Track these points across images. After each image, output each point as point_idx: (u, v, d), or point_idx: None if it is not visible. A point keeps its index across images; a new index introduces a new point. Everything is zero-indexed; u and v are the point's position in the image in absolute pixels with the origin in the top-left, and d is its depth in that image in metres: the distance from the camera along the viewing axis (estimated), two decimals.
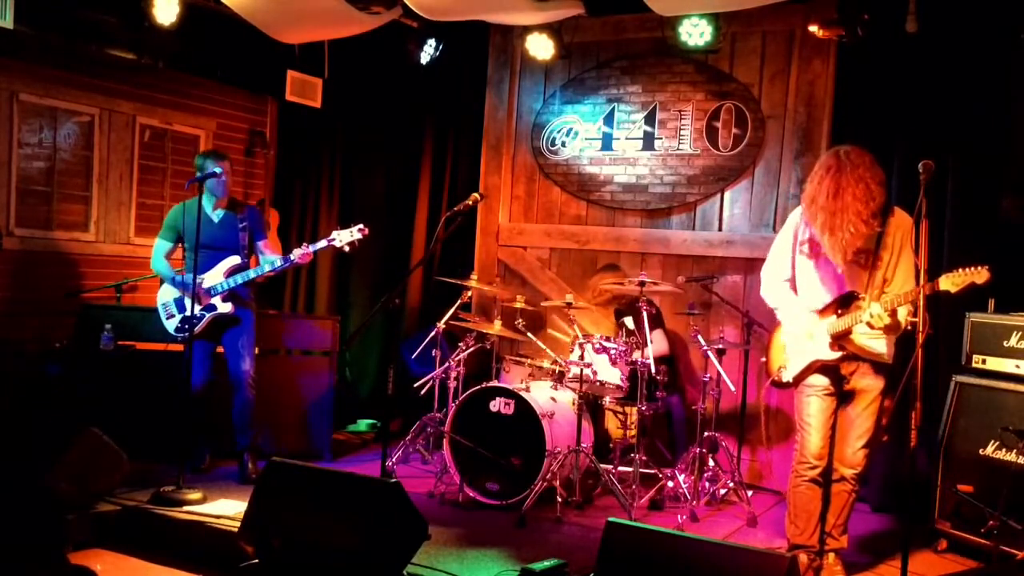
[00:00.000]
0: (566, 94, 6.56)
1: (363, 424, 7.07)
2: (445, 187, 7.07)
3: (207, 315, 5.19)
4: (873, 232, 3.85)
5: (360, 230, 5.18)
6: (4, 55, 5.80)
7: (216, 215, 5.29)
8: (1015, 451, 4.26)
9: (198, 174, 5.11)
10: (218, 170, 5.04)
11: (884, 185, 3.86)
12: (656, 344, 5.44)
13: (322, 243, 5.23)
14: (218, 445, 5.47)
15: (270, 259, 5.28)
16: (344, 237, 5.18)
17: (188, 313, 5.12)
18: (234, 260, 5.25)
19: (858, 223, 3.79)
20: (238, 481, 5.18)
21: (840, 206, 3.80)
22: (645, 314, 5.12)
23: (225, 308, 5.21)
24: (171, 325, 5.27)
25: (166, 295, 5.30)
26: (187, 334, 5.12)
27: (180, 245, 5.36)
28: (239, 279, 5.20)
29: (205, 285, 5.19)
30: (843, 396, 4.06)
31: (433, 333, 5.77)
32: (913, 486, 4.44)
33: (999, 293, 4.60)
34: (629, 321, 5.62)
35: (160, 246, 5.33)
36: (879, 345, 3.98)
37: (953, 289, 3.59)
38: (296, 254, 5.20)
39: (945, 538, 4.55)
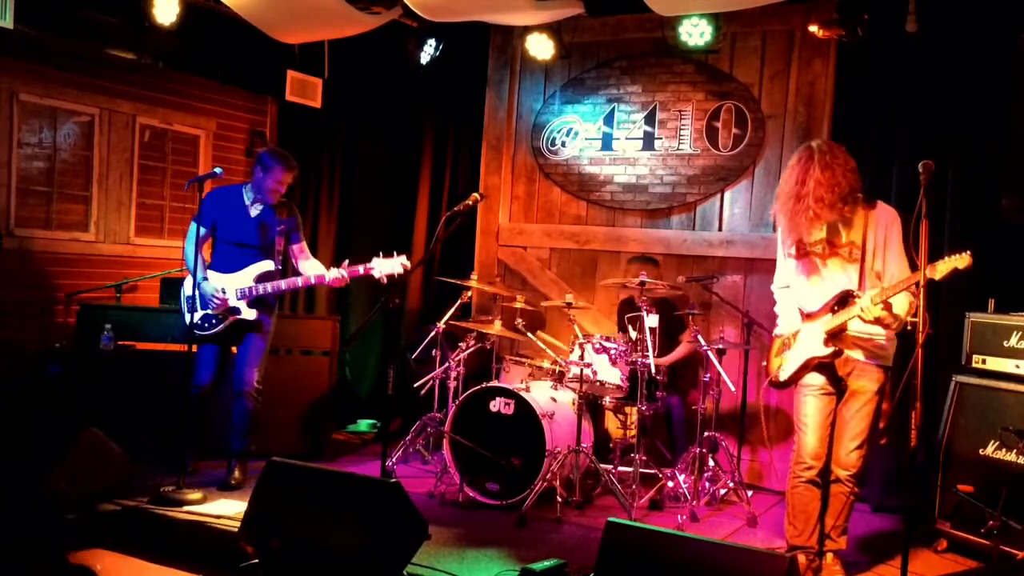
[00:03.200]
0: (566, 94, 6.57)
1: (363, 424, 7.07)
2: (445, 187, 7.07)
3: (229, 318, 5.06)
4: (841, 217, 3.87)
5: (403, 264, 4.88)
6: (4, 55, 5.80)
7: (254, 209, 5.11)
8: (1015, 451, 4.26)
9: (254, 169, 5.08)
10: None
11: (855, 173, 3.88)
12: (681, 349, 5.58)
13: (360, 269, 4.95)
14: (210, 447, 5.37)
15: (305, 273, 5.11)
16: (384, 268, 4.88)
17: (211, 312, 5.04)
18: (267, 266, 5.05)
19: (820, 208, 3.81)
20: (219, 487, 5.00)
21: (804, 191, 3.84)
22: (644, 315, 5.11)
23: (250, 315, 5.05)
24: (192, 319, 5.03)
25: (192, 288, 5.07)
26: (206, 331, 5.06)
27: (212, 234, 5.16)
28: (269, 288, 5.00)
29: (231, 288, 5.03)
30: (839, 396, 4.06)
31: (433, 333, 5.77)
32: (913, 486, 4.45)
33: (999, 293, 4.60)
34: (653, 319, 5.54)
35: (194, 230, 5.03)
36: (878, 334, 3.96)
37: (937, 277, 3.59)
38: (332, 275, 4.98)
39: (945, 538, 4.55)
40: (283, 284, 5.06)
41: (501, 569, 4.02)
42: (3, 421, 5.22)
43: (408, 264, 4.92)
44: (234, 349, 5.23)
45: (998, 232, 4.98)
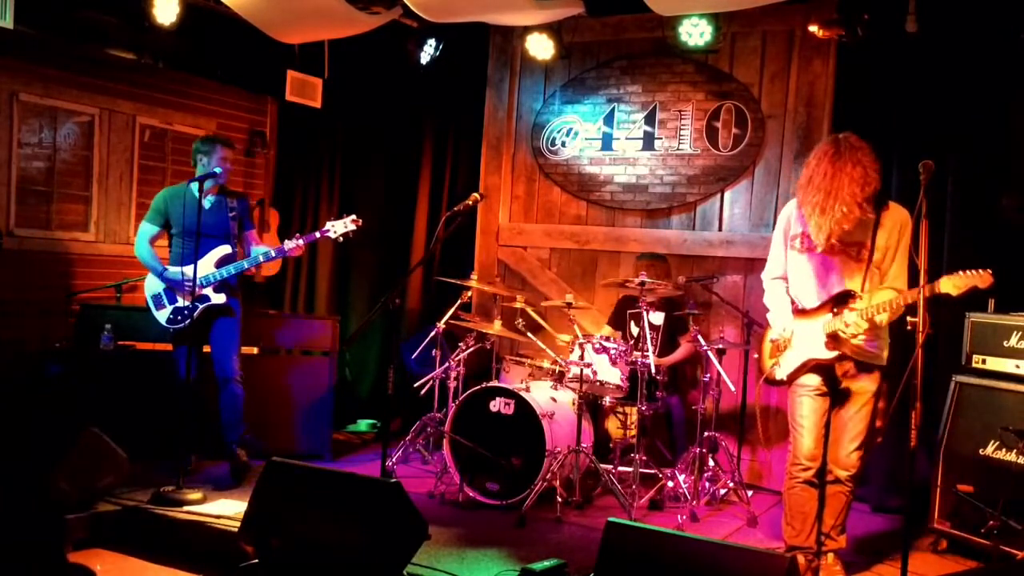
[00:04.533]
0: (566, 94, 6.56)
1: (363, 424, 7.07)
2: (445, 187, 7.07)
3: (200, 306, 5.12)
4: (865, 217, 3.83)
5: (354, 221, 5.21)
6: (4, 55, 5.80)
7: (207, 201, 5.21)
8: (1015, 451, 4.26)
9: (195, 160, 5.19)
10: (218, 170, 5.04)
11: (880, 173, 3.86)
12: (681, 350, 5.58)
13: (316, 235, 5.23)
14: (206, 445, 5.41)
15: (262, 249, 5.25)
16: (338, 228, 5.20)
17: (180, 304, 5.12)
18: (225, 250, 5.19)
19: (852, 205, 3.78)
20: (229, 478, 5.12)
21: (836, 186, 3.80)
22: (645, 313, 5.11)
23: (219, 299, 5.15)
24: (162, 316, 5.19)
25: (155, 286, 5.22)
26: (180, 325, 5.12)
27: (166, 231, 5.28)
28: (232, 269, 5.15)
29: (197, 277, 5.11)
30: (836, 397, 4.05)
31: (433, 333, 5.77)
32: (913, 486, 4.44)
33: (999, 293, 4.59)
34: (658, 317, 5.57)
35: (145, 230, 5.22)
36: (873, 346, 3.97)
37: (954, 292, 3.54)
38: (288, 245, 5.18)
39: (945, 538, 4.55)
40: (245, 264, 5.20)
41: (501, 569, 4.02)
42: (3, 421, 5.22)
43: (359, 221, 5.24)
44: (207, 348, 5.27)
45: (998, 232, 4.97)
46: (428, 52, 6.40)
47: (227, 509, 4.55)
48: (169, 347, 5.45)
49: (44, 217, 6.30)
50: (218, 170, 5.03)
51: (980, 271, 3.54)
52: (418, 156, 7.14)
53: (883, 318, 3.78)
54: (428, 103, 7.09)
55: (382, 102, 7.18)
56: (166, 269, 5.18)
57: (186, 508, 4.55)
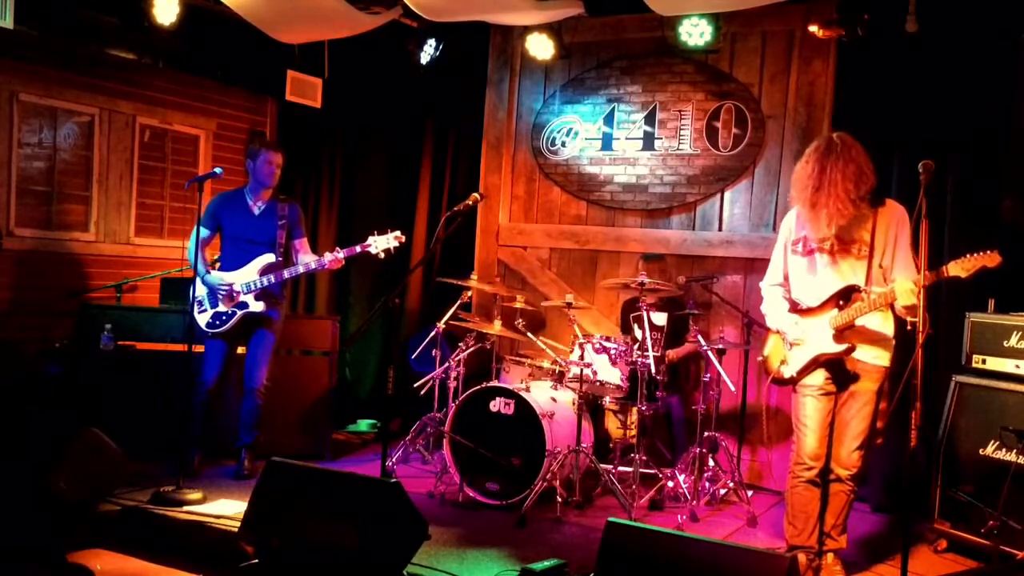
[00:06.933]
0: (566, 94, 6.56)
1: (363, 424, 7.07)
2: (445, 187, 7.07)
3: (238, 312, 5.20)
4: (859, 213, 3.87)
5: (397, 237, 5.15)
6: (4, 55, 5.80)
7: (257, 208, 5.31)
8: (1015, 451, 4.26)
9: (248, 161, 5.29)
10: (218, 171, 5.03)
11: (874, 173, 3.89)
12: (688, 345, 5.56)
13: (356, 248, 5.18)
14: (211, 446, 5.46)
15: (304, 260, 5.30)
16: (380, 244, 5.14)
17: (220, 310, 5.19)
18: (268, 258, 5.23)
19: (845, 200, 3.81)
20: (233, 477, 5.22)
21: (827, 181, 3.83)
22: (646, 313, 5.11)
23: (257, 307, 5.22)
24: (203, 319, 5.24)
25: (201, 289, 5.26)
26: (218, 329, 5.17)
27: (218, 235, 5.38)
28: (273, 279, 5.19)
29: (238, 283, 5.18)
30: (839, 396, 4.05)
31: (433, 333, 5.77)
32: (913, 486, 4.44)
33: (999, 293, 4.60)
34: (661, 317, 5.57)
35: (196, 232, 5.21)
36: (876, 353, 3.98)
37: (963, 274, 3.58)
38: (328, 258, 5.18)
39: (945, 538, 4.55)
40: (285, 273, 5.25)
41: (501, 569, 4.02)
42: (3, 421, 5.22)
43: (402, 237, 5.20)
44: (241, 349, 5.36)
45: (998, 232, 4.97)
46: (428, 52, 6.41)
47: (227, 509, 4.55)
48: (169, 347, 5.49)
49: (44, 217, 6.30)
50: (218, 170, 5.03)
51: (987, 252, 3.57)
52: (418, 156, 7.14)
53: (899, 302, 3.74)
54: (428, 103, 7.09)
55: (382, 102, 7.19)
56: (208, 273, 5.23)
57: (186, 508, 4.55)
